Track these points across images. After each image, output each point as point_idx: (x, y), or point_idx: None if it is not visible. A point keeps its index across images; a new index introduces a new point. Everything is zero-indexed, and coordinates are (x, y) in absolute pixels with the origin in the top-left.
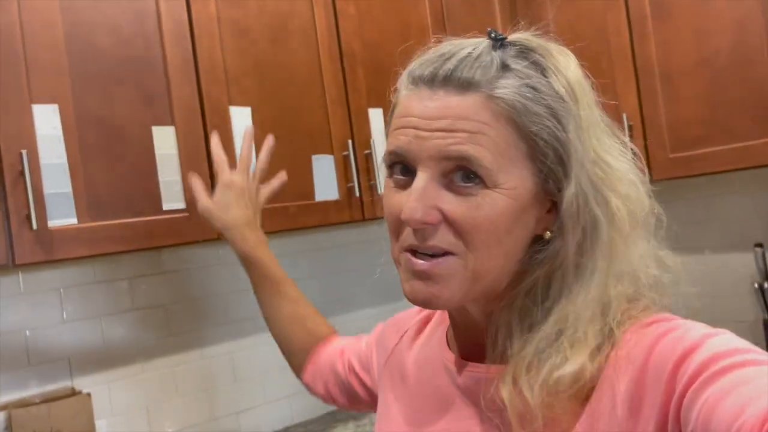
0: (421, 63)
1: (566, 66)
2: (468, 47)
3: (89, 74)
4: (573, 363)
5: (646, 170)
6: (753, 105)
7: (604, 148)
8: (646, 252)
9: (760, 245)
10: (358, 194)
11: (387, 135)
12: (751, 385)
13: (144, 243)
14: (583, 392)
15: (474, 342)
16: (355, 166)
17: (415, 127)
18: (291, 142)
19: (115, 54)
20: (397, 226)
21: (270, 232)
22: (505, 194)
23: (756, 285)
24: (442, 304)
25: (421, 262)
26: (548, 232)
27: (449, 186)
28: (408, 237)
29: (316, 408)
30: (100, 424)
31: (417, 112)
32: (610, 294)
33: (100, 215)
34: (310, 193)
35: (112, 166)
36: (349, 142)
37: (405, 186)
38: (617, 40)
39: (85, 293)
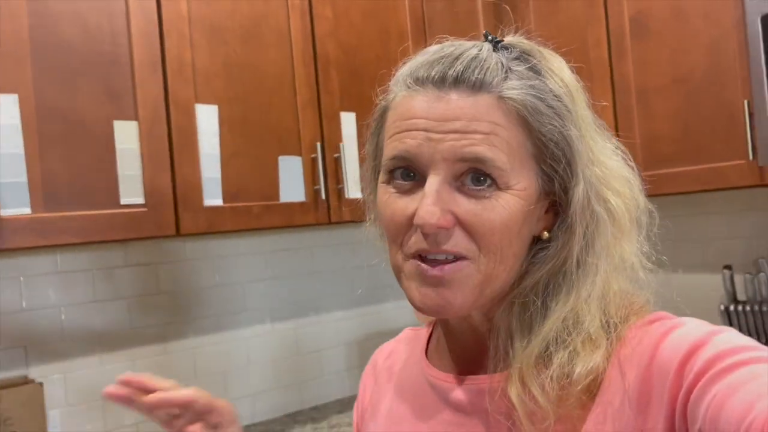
0: (423, 63)
1: (560, 68)
2: (472, 48)
3: (52, 66)
4: (586, 358)
5: (636, 167)
6: (725, 126)
7: (598, 148)
8: (639, 249)
9: (728, 267)
10: (324, 197)
11: (373, 137)
12: (759, 381)
13: (100, 236)
14: (593, 386)
15: (472, 352)
16: (323, 169)
17: (425, 129)
18: (258, 142)
19: (80, 47)
20: (401, 232)
21: (232, 231)
22: (516, 195)
23: (722, 307)
24: (454, 311)
25: (433, 268)
26: (546, 233)
27: (461, 189)
28: (418, 242)
29: (278, 408)
30: (53, 414)
31: (424, 113)
32: (612, 290)
33: (56, 206)
34: (275, 194)
35: (70, 158)
36: (318, 144)
37: (409, 191)
38: (597, 54)
39: (47, 283)
